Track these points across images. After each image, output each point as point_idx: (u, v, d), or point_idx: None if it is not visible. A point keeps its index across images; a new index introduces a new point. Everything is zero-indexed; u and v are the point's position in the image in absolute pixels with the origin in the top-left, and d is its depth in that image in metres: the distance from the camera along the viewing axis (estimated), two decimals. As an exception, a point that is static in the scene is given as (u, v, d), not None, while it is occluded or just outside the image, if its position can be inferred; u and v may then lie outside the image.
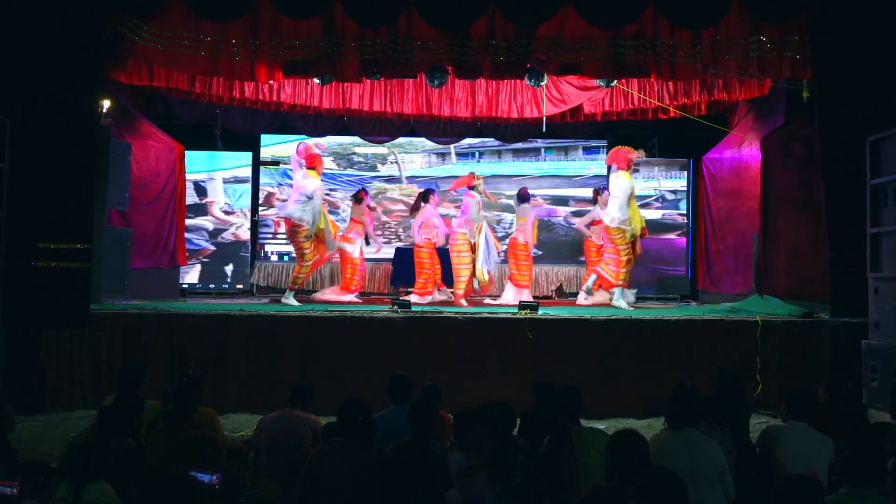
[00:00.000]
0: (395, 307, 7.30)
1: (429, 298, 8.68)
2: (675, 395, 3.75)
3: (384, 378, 4.70)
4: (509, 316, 7.10)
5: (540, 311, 7.25)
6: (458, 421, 3.77)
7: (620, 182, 8.28)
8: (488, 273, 8.79)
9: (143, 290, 8.54)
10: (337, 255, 9.12)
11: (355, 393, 4.07)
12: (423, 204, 8.98)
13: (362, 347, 6.79)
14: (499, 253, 9.04)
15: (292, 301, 8.24)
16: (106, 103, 7.80)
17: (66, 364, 6.61)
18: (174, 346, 6.72)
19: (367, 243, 9.35)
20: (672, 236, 10.92)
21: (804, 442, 3.81)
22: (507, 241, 9.28)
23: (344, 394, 4.04)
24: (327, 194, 10.51)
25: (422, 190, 9.50)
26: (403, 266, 9.87)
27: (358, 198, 9.28)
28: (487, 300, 9.10)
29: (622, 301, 8.35)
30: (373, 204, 9.66)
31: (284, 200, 9.77)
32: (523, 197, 9.11)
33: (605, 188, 8.63)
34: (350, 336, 6.84)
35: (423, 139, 11.07)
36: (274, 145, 11.22)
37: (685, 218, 10.91)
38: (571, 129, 10.78)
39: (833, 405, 4.69)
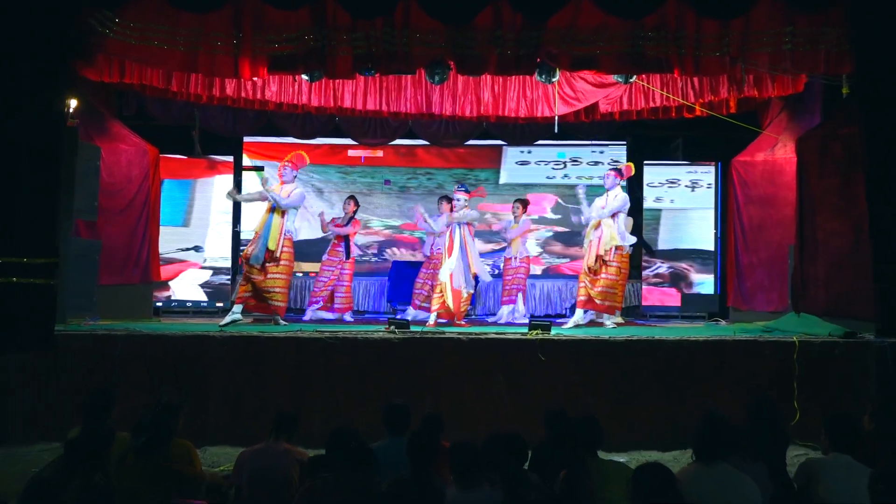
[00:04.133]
0: (392, 327, 7.28)
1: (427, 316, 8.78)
2: (703, 424, 3.73)
3: (380, 406, 4.68)
4: (519, 336, 7.08)
5: (553, 332, 7.23)
6: (454, 454, 3.75)
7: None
8: (456, 293, 8.48)
9: (113, 309, 8.53)
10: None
11: (348, 423, 4.05)
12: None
13: (356, 372, 6.78)
14: (473, 275, 8.65)
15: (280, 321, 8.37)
16: (73, 103, 7.81)
17: (27, 392, 6.59)
18: (147, 371, 6.71)
19: (347, 256, 9.51)
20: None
21: (847, 476, 3.79)
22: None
23: (336, 424, 4.03)
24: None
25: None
26: (401, 282, 9.88)
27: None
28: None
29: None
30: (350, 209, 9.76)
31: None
32: None
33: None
34: (342, 359, 6.82)
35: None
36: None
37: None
38: (586, 130, 10.79)
39: (879, 435, 4.65)
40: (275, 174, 8.74)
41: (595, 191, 9.48)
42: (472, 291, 8.65)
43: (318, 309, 9.41)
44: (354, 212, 9.62)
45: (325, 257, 9.54)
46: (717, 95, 9.14)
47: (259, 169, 11.25)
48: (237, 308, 8.35)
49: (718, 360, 6.91)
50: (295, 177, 8.60)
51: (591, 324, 8.81)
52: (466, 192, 8.83)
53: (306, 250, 10.75)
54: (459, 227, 8.60)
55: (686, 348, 6.97)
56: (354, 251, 9.51)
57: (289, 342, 6.99)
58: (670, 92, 9.32)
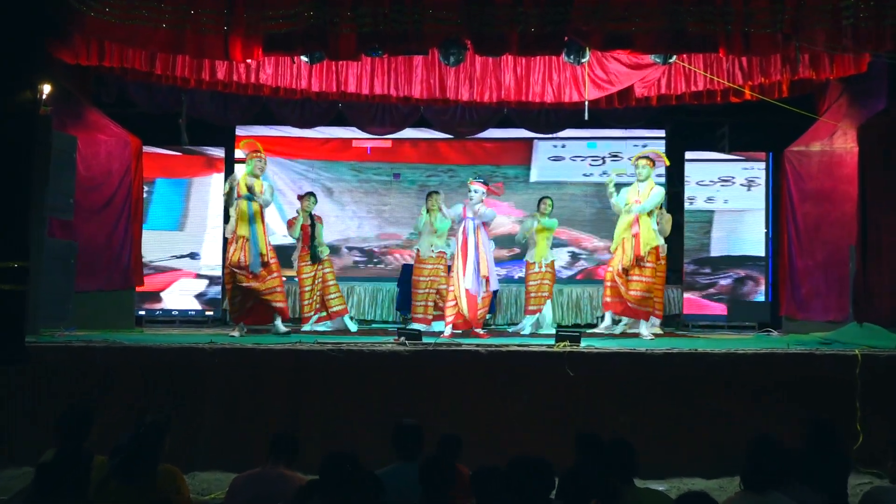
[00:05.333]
0: (402, 338, 7.29)
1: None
2: (753, 448, 3.72)
3: (388, 427, 4.69)
4: (544, 349, 7.07)
5: (582, 343, 7.22)
6: (476, 480, 3.75)
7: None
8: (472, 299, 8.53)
9: (91, 318, 8.60)
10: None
11: (352, 445, 4.06)
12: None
13: (361, 389, 6.80)
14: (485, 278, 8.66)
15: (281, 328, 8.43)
16: (46, 88, 7.86)
17: (-5, 410, 6.64)
18: (129, 388, 6.74)
19: (314, 260, 9.54)
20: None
21: (918, 508, 3.76)
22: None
23: (338, 446, 4.04)
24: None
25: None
26: (411, 287, 9.88)
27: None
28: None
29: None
30: (308, 207, 9.74)
31: None
32: None
33: None
34: (346, 375, 6.83)
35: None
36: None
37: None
38: (620, 117, 10.76)
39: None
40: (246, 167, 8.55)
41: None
42: (484, 296, 8.64)
43: (315, 322, 9.45)
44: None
45: (298, 265, 9.58)
46: (768, 77, 9.10)
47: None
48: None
49: (770, 375, 6.88)
50: None
51: (625, 334, 8.81)
52: (485, 184, 8.83)
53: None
54: (475, 225, 8.60)
55: (733, 362, 6.94)
56: (325, 253, 9.58)
57: (286, 355, 7.01)
58: (715, 74, 9.27)
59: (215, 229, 11.03)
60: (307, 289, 9.48)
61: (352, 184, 11.65)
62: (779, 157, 10.32)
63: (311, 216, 9.58)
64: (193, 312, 10.90)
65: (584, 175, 11.66)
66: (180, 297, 10.99)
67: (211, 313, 10.87)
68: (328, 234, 10.15)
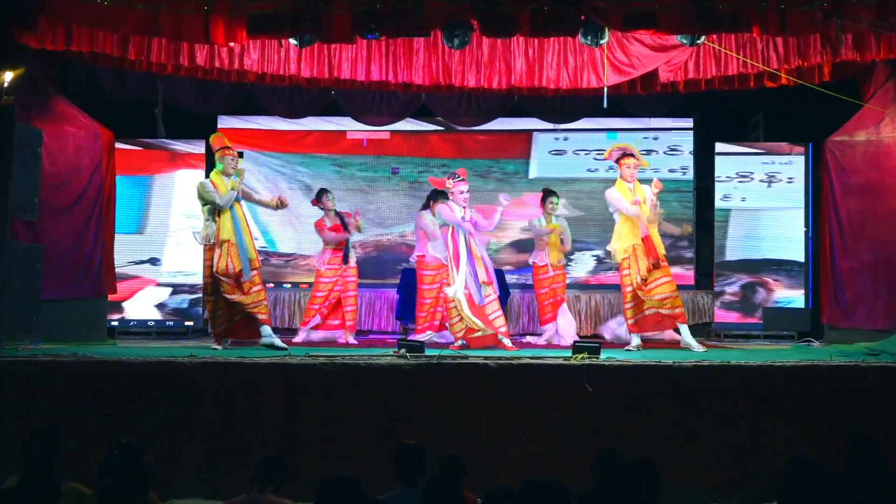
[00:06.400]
0: (403, 350, 7.30)
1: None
2: (790, 471, 3.73)
3: (389, 448, 4.70)
4: (560, 361, 7.08)
5: (602, 355, 7.23)
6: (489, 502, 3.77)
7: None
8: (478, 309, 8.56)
9: (59, 329, 8.61)
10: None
11: (348, 469, 4.08)
12: (420, 211, 9.80)
13: (358, 406, 6.80)
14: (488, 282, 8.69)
15: (276, 342, 8.31)
16: (8, 76, 7.88)
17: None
18: (102, 407, 6.76)
19: (346, 261, 9.57)
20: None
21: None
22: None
23: (333, 470, 4.06)
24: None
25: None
26: (413, 295, 9.91)
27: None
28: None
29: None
30: (332, 205, 9.77)
31: None
32: None
33: None
34: (341, 391, 6.85)
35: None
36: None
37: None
38: (643, 104, 10.77)
39: None
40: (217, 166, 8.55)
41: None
42: (489, 301, 8.64)
43: (313, 328, 9.46)
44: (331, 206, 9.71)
45: (324, 267, 9.56)
46: (807, 60, 9.08)
47: (238, 156, 11.30)
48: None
49: (810, 390, 6.88)
50: None
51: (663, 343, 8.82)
52: (463, 181, 8.78)
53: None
54: (465, 232, 8.57)
55: (768, 376, 6.94)
56: (354, 257, 9.63)
57: (275, 369, 7.02)
58: (748, 56, 9.26)
59: (178, 232, 10.90)
60: (321, 293, 9.49)
61: (334, 181, 11.58)
62: (819, 148, 10.30)
63: (340, 213, 9.60)
64: (171, 323, 10.88)
65: (589, 170, 11.63)
66: (141, 307, 10.88)
67: (191, 324, 10.86)
68: (310, 235, 10.31)
